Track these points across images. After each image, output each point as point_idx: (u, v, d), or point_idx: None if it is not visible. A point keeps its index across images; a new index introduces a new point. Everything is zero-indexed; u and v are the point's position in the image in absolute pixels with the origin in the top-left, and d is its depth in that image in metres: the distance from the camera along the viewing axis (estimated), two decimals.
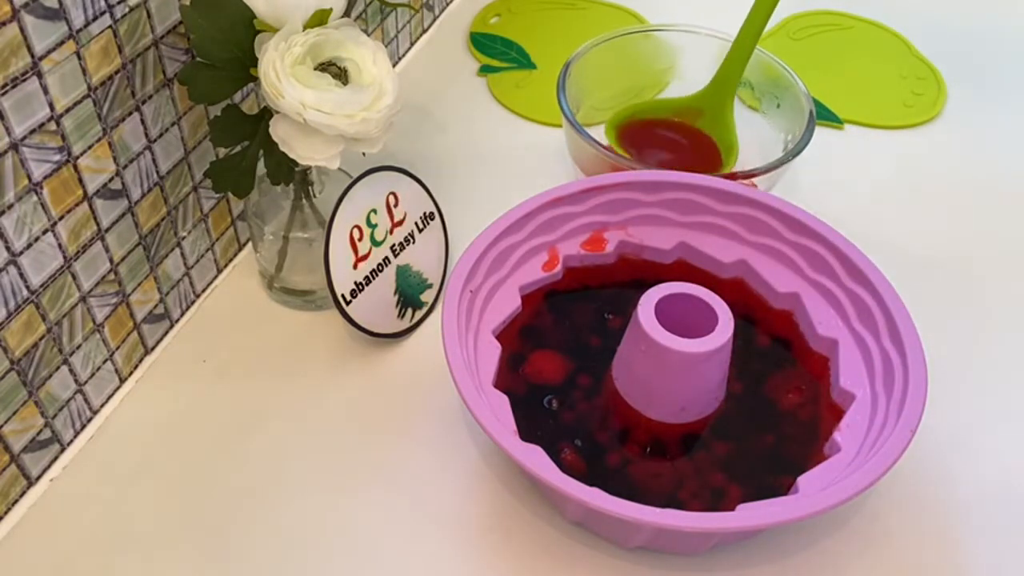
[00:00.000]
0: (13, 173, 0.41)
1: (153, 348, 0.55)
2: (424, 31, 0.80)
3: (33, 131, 0.41)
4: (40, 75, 0.40)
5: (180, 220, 0.54)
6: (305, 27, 0.45)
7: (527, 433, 0.45)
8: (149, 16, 0.46)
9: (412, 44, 0.79)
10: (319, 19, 0.45)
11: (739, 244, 0.55)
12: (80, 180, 0.45)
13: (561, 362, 0.51)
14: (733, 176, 0.55)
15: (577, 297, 0.54)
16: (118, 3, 0.44)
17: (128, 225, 0.49)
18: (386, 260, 0.54)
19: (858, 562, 0.47)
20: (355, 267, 0.52)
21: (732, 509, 0.41)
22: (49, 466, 0.49)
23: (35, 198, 0.42)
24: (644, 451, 0.48)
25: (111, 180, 0.47)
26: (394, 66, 0.72)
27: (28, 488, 0.48)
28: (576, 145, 0.60)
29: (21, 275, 0.43)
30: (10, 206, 0.41)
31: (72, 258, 0.46)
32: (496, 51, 0.79)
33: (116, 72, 0.45)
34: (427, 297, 0.57)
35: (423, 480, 0.49)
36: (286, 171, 0.51)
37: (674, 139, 0.65)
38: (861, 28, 0.82)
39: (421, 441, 0.51)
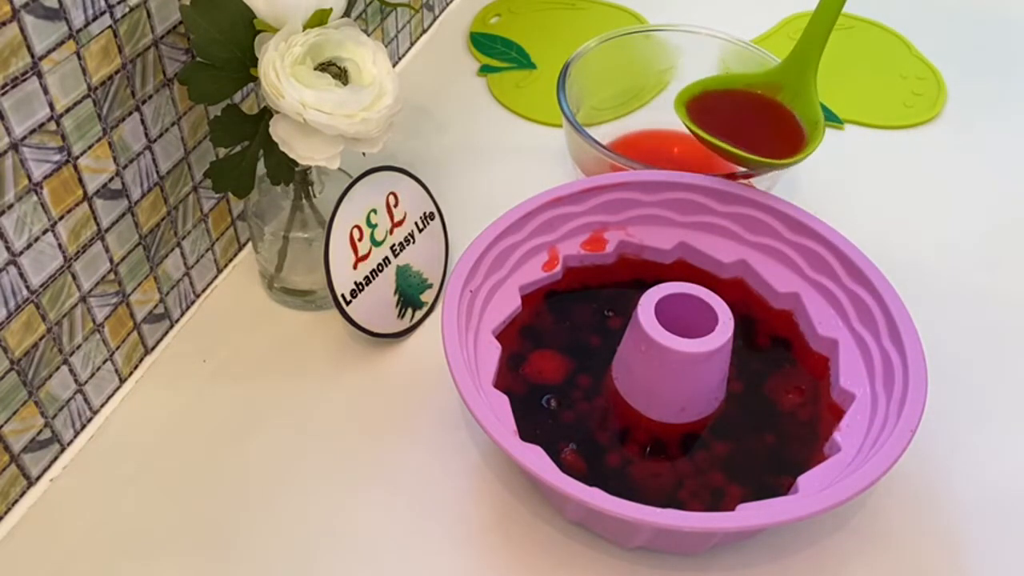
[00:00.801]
0: (13, 173, 0.41)
1: (153, 348, 0.55)
2: (424, 31, 0.80)
3: (33, 131, 0.41)
4: (40, 75, 0.40)
5: (180, 220, 0.54)
6: (305, 27, 0.45)
7: (527, 433, 0.45)
8: (149, 16, 0.46)
9: (412, 44, 0.79)
10: (319, 19, 0.45)
11: (739, 244, 0.55)
12: (80, 180, 0.45)
13: (561, 362, 0.51)
14: (733, 176, 0.55)
15: (577, 297, 0.54)
16: (118, 3, 0.44)
17: (128, 225, 0.49)
18: (386, 260, 0.54)
19: (858, 562, 0.47)
20: (355, 267, 0.52)
21: (732, 509, 0.41)
22: (49, 466, 0.49)
23: (35, 198, 0.42)
24: (644, 451, 0.48)
25: (111, 180, 0.47)
26: (394, 66, 0.72)
27: (28, 488, 0.48)
28: (576, 145, 0.60)
29: (21, 275, 0.43)
30: (10, 206, 0.41)
31: (72, 258, 0.46)
32: (496, 51, 0.79)
33: (116, 72, 0.45)
34: (427, 297, 0.57)
35: (423, 480, 0.49)
36: (286, 171, 0.51)
37: (753, 114, 0.59)
38: (861, 28, 0.82)
39: (421, 441, 0.51)
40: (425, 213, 0.57)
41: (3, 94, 0.39)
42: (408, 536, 0.47)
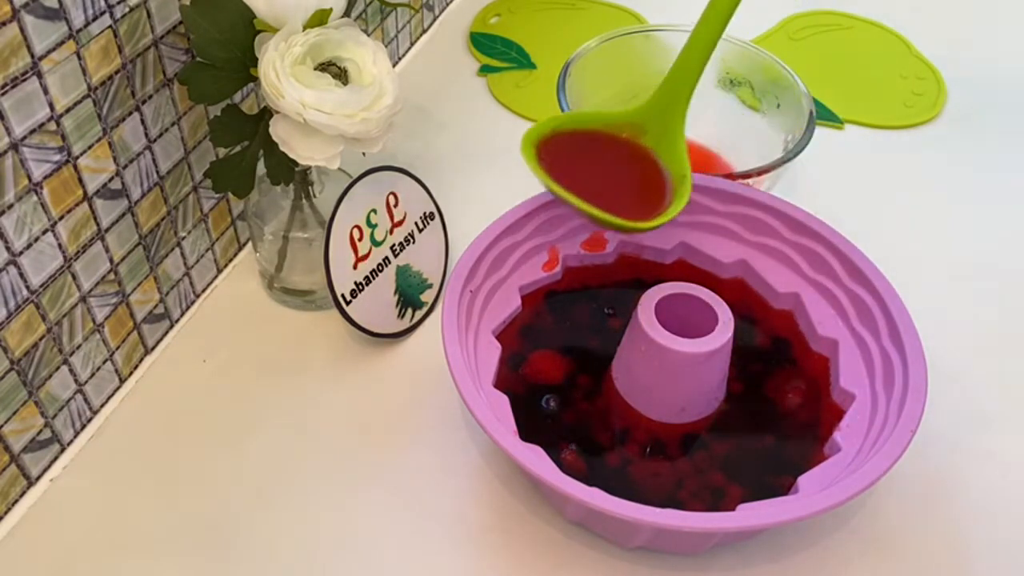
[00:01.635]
0: (13, 173, 0.41)
1: (153, 348, 0.55)
2: (424, 31, 0.80)
3: (33, 131, 0.41)
4: (40, 75, 0.40)
5: (180, 220, 0.54)
6: (305, 27, 0.45)
7: (527, 433, 0.45)
8: (149, 16, 0.46)
9: (412, 44, 0.79)
10: (319, 19, 0.45)
11: (739, 244, 0.55)
12: (80, 180, 0.45)
13: (561, 362, 0.51)
14: (733, 176, 0.55)
15: (577, 297, 0.54)
16: (118, 3, 0.44)
17: (128, 225, 0.49)
18: (386, 260, 0.54)
19: (858, 562, 0.47)
20: (355, 267, 0.52)
21: (732, 509, 0.41)
22: (49, 466, 0.49)
23: (35, 198, 0.42)
24: (644, 451, 0.48)
25: (111, 180, 0.47)
26: (394, 66, 0.72)
27: (28, 488, 0.48)
28: None
29: (21, 275, 0.43)
30: (10, 206, 0.41)
31: (72, 258, 0.46)
32: (496, 51, 0.79)
33: (116, 72, 0.45)
34: (427, 297, 0.57)
35: (423, 480, 0.49)
36: (286, 171, 0.51)
37: (616, 161, 0.51)
38: (861, 28, 0.82)
39: (421, 441, 0.51)
40: (425, 213, 0.57)
41: (3, 94, 0.39)
42: (408, 536, 0.47)
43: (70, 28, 0.41)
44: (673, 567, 0.46)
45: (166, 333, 0.56)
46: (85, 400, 0.50)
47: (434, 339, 0.54)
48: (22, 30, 0.39)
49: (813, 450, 0.47)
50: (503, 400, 0.47)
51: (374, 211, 0.53)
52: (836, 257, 0.51)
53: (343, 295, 0.52)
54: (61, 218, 0.44)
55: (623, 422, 0.49)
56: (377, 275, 0.54)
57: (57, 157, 0.43)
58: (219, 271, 0.59)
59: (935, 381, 0.45)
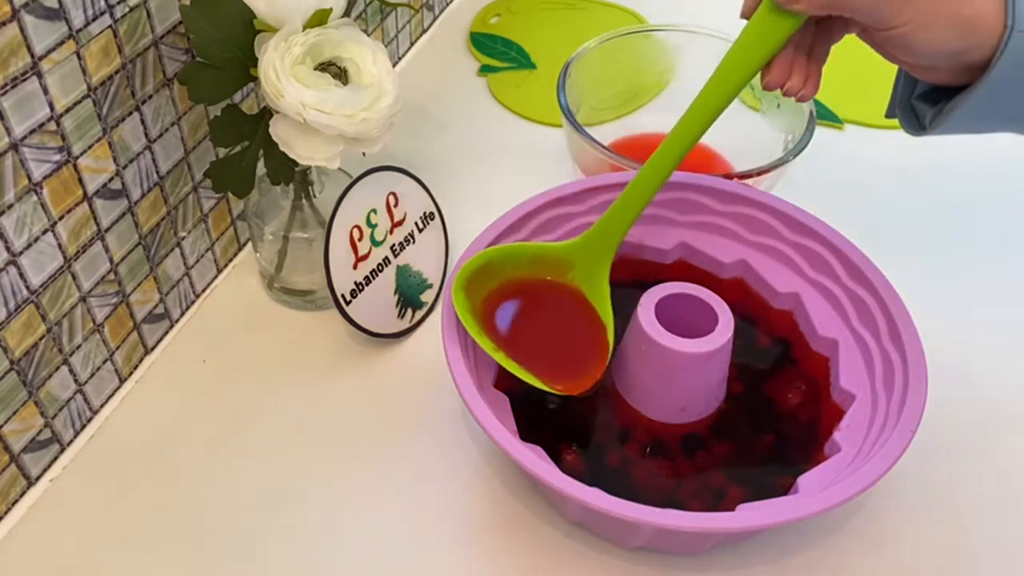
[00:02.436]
0: (13, 173, 0.41)
1: (153, 348, 0.55)
2: (424, 31, 0.80)
3: (33, 131, 0.41)
4: (40, 75, 0.40)
5: (180, 220, 0.54)
6: (305, 27, 0.45)
7: (527, 433, 0.45)
8: (149, 16, 0.46)
9: (412, 44, 0.79)
10: (319, 19, 0.45)
11: (739, 244, 0.55)
12: (80, 180, 0.45)
13: None
14: (733, 176, 0.55)
15: None
16: (118, 3, 0.44)
17: (128, 225, 0.49)
18: (386, 260, 0.54)
19: (858, 562, 0.47)
20: (355, 267, 0.52)
21: (732, 509, 0.41)
22: (49, 466, 0.49)
23: (35, 198, 0.42)
24: (644, 451, 0.48)
25: (111, 180, 0.47)
26: (394, 66, 0.72)
27: (28, 488, 0.48)
28: (576, 145, 0.60)
29: (21, 275, 0.43)
30: (10, 206, 0.41)
31: (72, 258, 0.46)
32: (496, 51, 0.79)
33: (116, 72, 0.45)
34: (427, 297, 0.57)
35: (423, 480, 0.49)
36: (286, 171, 0.51)
37: (556, 307, 0.50)
38: None
39: (421, 441, 0.51)
40: (425, 213, 0.57)
41: (3, 94, 0.39)
42: (408, 536, 0.47)
43: (70, 28, 0.41)
44: (673, 567, 0.46)
45: (166, 333, 0.56)
46: (85, 400, 0.50)
47: (434, 339, 0.54)
48: (22, 30, 0.39)
49: (813, 450, 0.47)
50: (503, 400, 0.47)
51: (374, 211, 0.53)
52: (836, 257, 0.51)
53: (343, 295, 0.52)
54: (61, 218, 0.44)
55: (623, 422, 0.49)
56: (377, 275, 0.54)
57: (57, 157, 0.43)
58: (219, 271, 0.59)
59: (935, 381, 0.45)
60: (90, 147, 0.45)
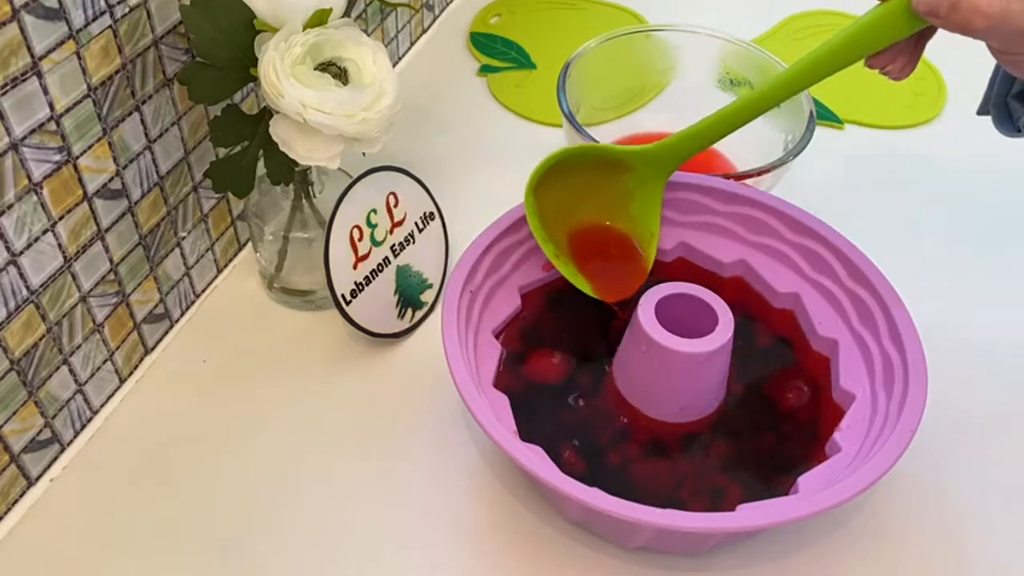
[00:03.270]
0: (13, 173, 0.41)
1: (153, 348, 0.55)
2: (424, 31, 0.80)
3: (33, 131, 0.41)
4: (40, 75, 0.40)
5: (180, 220, 0.54)
6: (305, 27, 0.45)
7: (527, 433, 0.45)
8: (149, 16, 0.46)
9: (412, 44, 0.79)
10: (319, 19, 0.45)
11: (739, 244, 0.55)
12: (80, 180, 0.45)
13: (561, 362, 0.51)
14: (733, 176, 0.55)
15: (577, 297, 0.54)
16: (118, 3, 0.44)
17: (128, 225, 0.49)
18: (386, 260, 0.54)
19: (858, 562, 0.47)
20: (355, 267, 0.52)
21: (732, 509, 0.41)
22: (49, 466, 0.49)
23: (35, 198, 0.42)
24: (644, 451, 0.48)
25: (111, 180, 0.47)
26: (394, 66, 0.72)
27: (28, 488, 0.48)
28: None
29: (21, 275, 0.43)
30: (10, 206, 0.41)
31: (72, 258, 0.46)
32: (496, 51, 0.79)
33: (116, 72, 0.45)
34: (427, 297, 0.57)
35: (423, 480, 0.49)
36: (286, 171, 0.51)
37: (603, 238, 0.55)
38: None
39: (421, 441, 0.51)
40: (425, 213, 0.57)
41: (3, 94, 0.39)
42: (408, 536, 0.47)
43: (70, 28, 0.41)
44: (673, 567, 0.46)
45: (166, 333, 0.56)
46: (85, 400, 0.50)
47: (434, 339, 0.54)
48: (22, 30, 0.39)
49: (813, 450, 0.47)
50: (503, 400, 0.47)
51: (374, 211, 0.53)
52: (836, 257, 0.51)
53: (343, 295, 0.52)
54: (61, 218, 0.44)
55: (623, 422, 0.49)
56: (377, 275, 0.54)
57: (57, 157, 0.43)
58: (219, 271, 0.59)
59: (935, 381, 0.45)
60: (90, 147, 0.45)
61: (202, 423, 0.52)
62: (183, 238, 0.54)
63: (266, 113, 0.48)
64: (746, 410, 0.50)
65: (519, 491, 0.49)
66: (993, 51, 0.42)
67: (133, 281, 0.51)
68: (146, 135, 0.49)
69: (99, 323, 0.50)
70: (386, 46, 0.73)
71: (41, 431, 0.48)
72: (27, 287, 0.44)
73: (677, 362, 0.46)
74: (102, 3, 0.43)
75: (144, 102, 0.48)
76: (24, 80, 0.40)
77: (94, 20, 0.43)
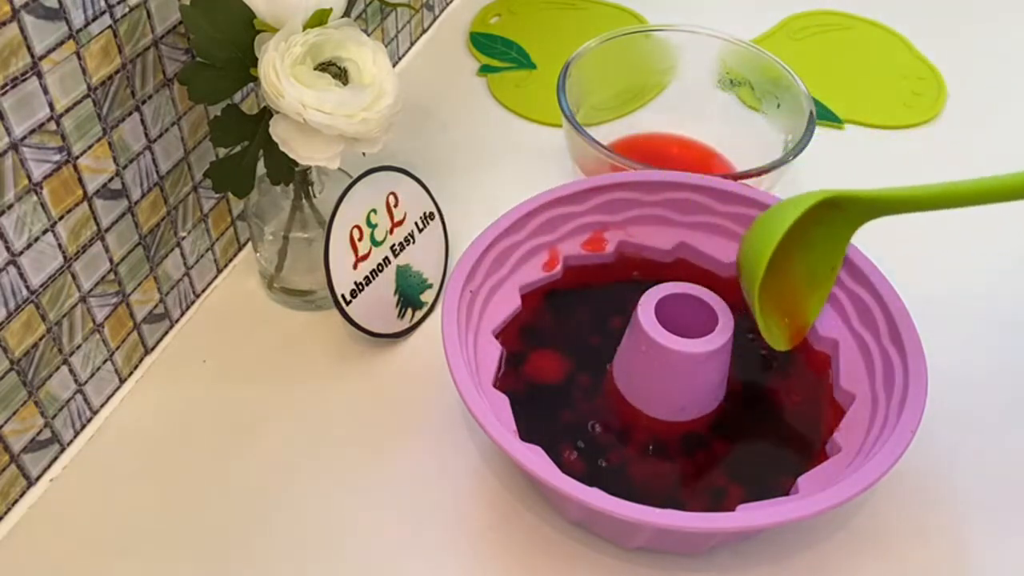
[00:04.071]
0: (13, 173, 0.41)
1: (153, 348, 0.55)
2: (424, 31, 0.80)
3: (33, 131, 0.41)
4: (40, 75, 0.40)
5: (180, 220, 0.54)
6: (305, 27, 0.45)
7: (527, 433, 0.45)
8: (149, 16, 0.46)
9: (412, 44, 0.79)
10: (319, 19, 0.45)
11: (739, 244, 0.54)
12: (80, 180, 0.45)
13: (561, 362, 0.51)
14: (733, 176, 0.55)
15: (577, 297, 0.54)
16: (118, 3, 0.44)
17: (128, 225, 0.49)
18: (386, 260, 0.54)
19: (858, 562, 0.47)
20: (355, 267, 0.52)
21: (732, 509, 0.41)
22: (49, 466, 0.49)
23: (35, 198, 0.42)
24: (644, 451, 0.48)
25: (111, 180, 0.47)
26: (394, 66, 0.72)
27: (28, 488, 0.48)
28: (576, 145, 0.60)
29: (21, 275, 0.43)
30: (10, 206, 0.41)
31: (72, 258, 0.46)
32: (496, 51, 0.79)
33: (116, 72, 0.45)
34: (427, 297, 0.57)
35: (423, 480, 0.49)
36: (286, 171, 0.51)
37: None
38: (861, 28, 0.82)
39: (421, 441, 0.51)
40: (425, 213, 0.57)
41: (3, 94, 0.39)
42: (408, 536, 0.47)
43: (70, 28, 0.41)
44: (673, 567, 0.46)
45: (166, 333, 0.56)
46: (85, 400, 0.50)
47: (434, 339, 0.54)
48: (22, 30, 0.39)
49: (813, 450, 0.47)
50: (503, 400, 0.47)
51: (374, 211, 0.53)
52: None
53: (343, 295, 0.52)
54: (61, 218, 0.44)
55: (623, 422, 0.49)
56: (377, 275, 0.54)
57: (57, 157, 0.43)
58: (219, 271, 0.59)
59: (935, 381, 0.45)
60: (90, 147, 0.45)
61: (202, 423, 0.52)
62: (183, 238, 0.54)
63: (266, 113, 0.48)
64: (746, 410, 0.50)
65: (519, 491, 0.49)
66: None
67: (133, 281, 0.51)
68: (146, 135, 0.49)
69: (99, 323, 0.50)
70: (386, 46, 0.73)
71: (41, 431, 0.48)
72: (27, 287, 0.44)
73: (677, 362, 0.46)
74: (102, 3, 0.43)
75: (144, 102, 0.48)
76: (24, 80, 0.40)
77: (94, 20, 0.43)
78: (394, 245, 0.55)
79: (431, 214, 0.57)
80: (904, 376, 0.46)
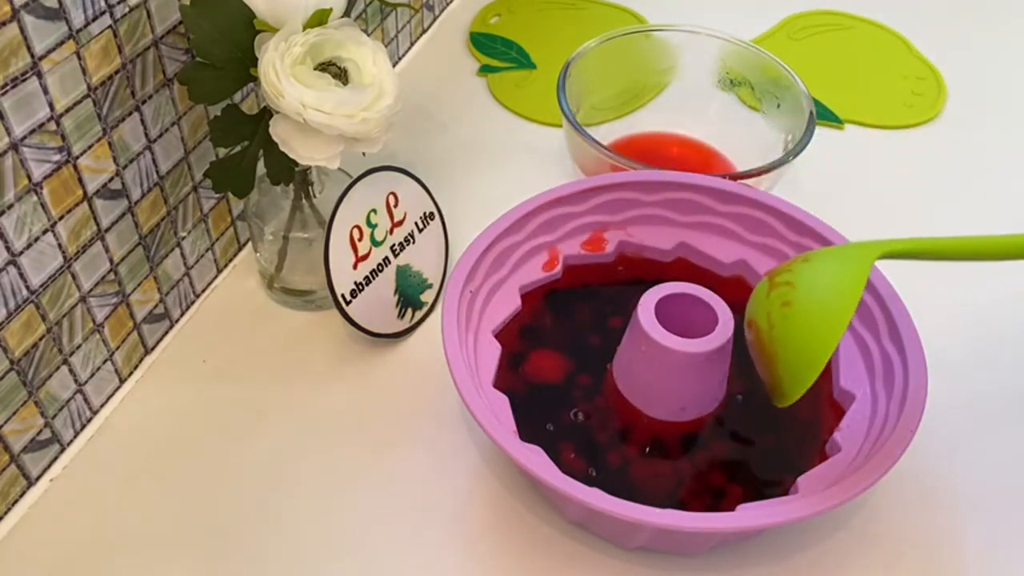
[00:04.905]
0: (13, 173, 0.41)
1: (153, 348, 0.55)
2: (424, 31, 0.80)
3: (33, 131, 0.41)
4: (40, 75, 0.40)
5: (180, 220, 0.54)
6: (305, 27, 0.45)
7: (527, 433, 0.45)
8: (149, 16, 0.46)
9: (412, 44, 0.79)
10: (319, 19, 0.45)
11: (739, 244, 0.55)
12: (80, 180, 0.45)
13: (561, 362, 0.51)
14: (733, 176, 0.55)
15: (577, 297, 0.54)
16: (118, 3, 0.44)
17: (128, 225, 0.49)
18: (386, 260, 0.54)
19: (858, 562, 0.47)
20: (355, 267, 0.52)
21: (732, 509, 0.41)
22: (49, 466, 0.49)
23: (35, 198, 0.42)
24: (644, 451, 0.48)
25: (111, 180, 0.47)
26: (394, 66, 0.72)
27: (28, 488, 0.48)
28: (576, 145, 0.60)
29: (21, 275, 0.43)
30: (10, 206, 0.41)
31: (72, 258, 0.46)
32: (496, 51, 0.79)
33: (116, 72, 0.45)
34: (427, 297, 0.57)
35: (423, 480, 0.49)
36: (286, 171, 0.51)
37: None
38: (861, 28, 0.82)
39: (421, 441, 0.51)
40: (425, 213, 0.57)
41: (3, 94, 0.39)
42: (408, 536, 0.47)
43: (70, 28, 0.41)
44: (673, 567, 0.46)
45: (166, 333, 0.56)
46: (85, 400, 0.50)
47: (434, 339, 0.54)
48: (22, 30, 0.39)
49: (813, 450, 0.47)
50: (503, 400, 0.47)
51: (374, 211, 0.53)
52: None
53: (343, 295, 0.52)
54: (61, 218, 0.44)
55: (623, 422, 0.49)
56: (377, 275, 0.54)
57: (57, 157, 0.43)
58: (219, 271, 0.59)
59: (935, 381, 0.45)
60: (90, 147, 0.45)
61: (202, 423, 0.52)
62: (183, 238, 0.54)
63: (266, 113, 0.48)
64: (746, 410, 0.50)
65: (519, 491, 0.49)
66: None
67: (133, 281, 0.51)
68: (146, 135, 0.49)
69: (99, 323, 0.50)
70: (386, 46, 0.73)
71: (41, 431, 0.48)
72: (27, 287, 0.44)
73: (677, 362, 0.46)
74: (102, 3, 0.43)
75: (144, 102, 0.48)
76: (24, 80, 0.40)
77: (94, 20, 0.43)
78: (394, 245, 0.55)
79: (431, 214, 0.57)
80: (904, 376, 0.46)
